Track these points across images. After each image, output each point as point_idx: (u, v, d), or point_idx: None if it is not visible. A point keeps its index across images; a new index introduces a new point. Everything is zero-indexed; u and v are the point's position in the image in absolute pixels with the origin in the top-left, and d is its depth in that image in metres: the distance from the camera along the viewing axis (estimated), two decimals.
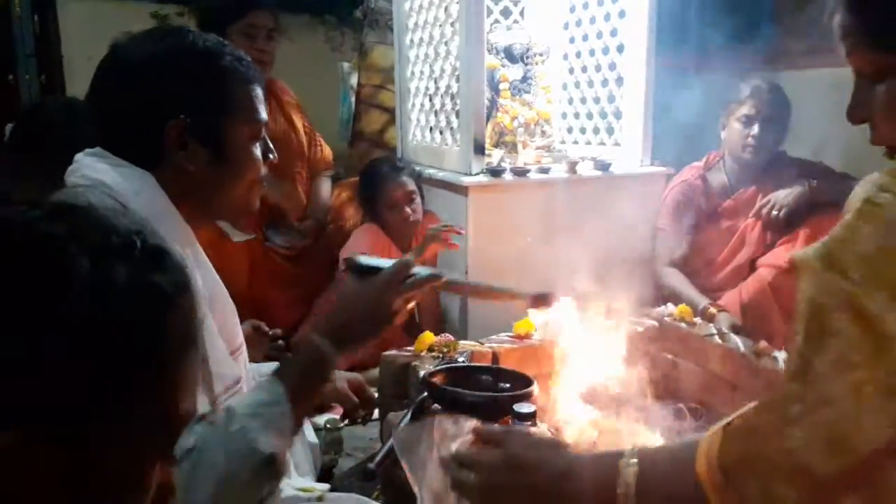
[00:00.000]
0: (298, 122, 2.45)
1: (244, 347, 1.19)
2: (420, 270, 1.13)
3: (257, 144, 1.11)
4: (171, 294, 0.52)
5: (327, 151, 2.59)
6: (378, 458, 1.23)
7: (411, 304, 1.17)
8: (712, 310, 2.17)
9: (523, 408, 1.28)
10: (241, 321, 1.71)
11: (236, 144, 1.07)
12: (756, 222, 2.36)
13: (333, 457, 1.76)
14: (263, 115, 1.11)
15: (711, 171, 2.52)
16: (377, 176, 2.38)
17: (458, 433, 1.24)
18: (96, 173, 0.99)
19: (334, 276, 2.36)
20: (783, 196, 2.28)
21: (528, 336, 1.85)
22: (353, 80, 3.50)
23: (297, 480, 1.35)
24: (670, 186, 2.53)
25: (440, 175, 2.49)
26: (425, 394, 1.37)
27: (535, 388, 1.42)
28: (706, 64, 3.23)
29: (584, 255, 2.24)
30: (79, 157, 1.04)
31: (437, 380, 1.40)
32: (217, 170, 1.05)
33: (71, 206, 0.52)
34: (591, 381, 1.64)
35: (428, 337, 1.71)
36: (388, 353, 1.74)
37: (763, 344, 1.84)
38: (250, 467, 0.89)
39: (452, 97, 2.48)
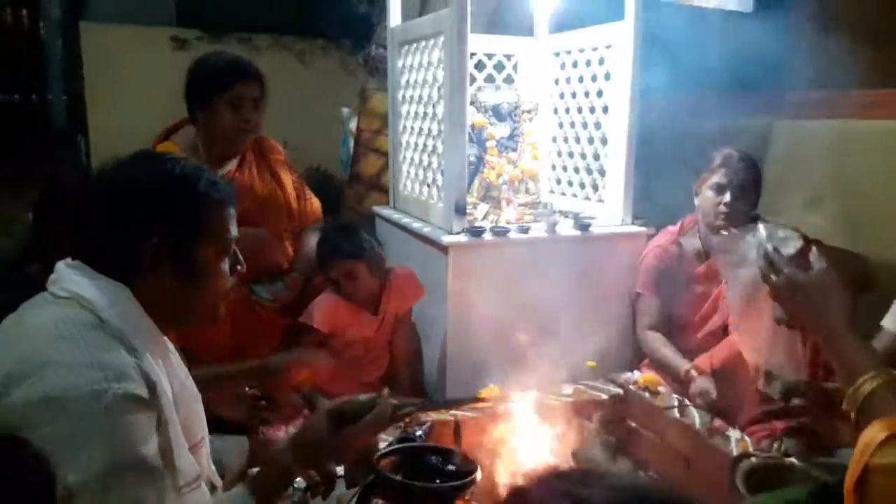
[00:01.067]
0: (286, 179, 2.50)
1: (206, 440, 1.28)
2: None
3: (226, 260, 1.21)
4: None
5: (316, 205, 2.65)
6: None
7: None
8: (693, 372, 2.23)
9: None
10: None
11: (206, 264, 1.17)
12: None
13: None
14: (234, 232, 1.21)
15: (686, 235, 2.57)
16: (322, 255, 2.35)
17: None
18: (75, 286, 1.08)
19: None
20: None
21: (490, 400, 1.98)
22: (353, 125, 3.61)
23: None
24: (647, 250, 2.59)
25: (425, 230, 2.58)
26: (372, 477, 1.45)
27: (477, 475, 1.50)
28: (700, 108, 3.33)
29: (564, 316, 2.41)
30: (60, 267, 1.13)
31: (385, 462, 1.50)
32: (187, 285, 1.15)
33: None
34: (540, 460, 1.71)
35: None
36: None
37: (717, 422, 1.91)
38: None
39: (438, 157, 2.57)
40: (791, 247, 1.37)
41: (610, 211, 2.73)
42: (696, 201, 2.51)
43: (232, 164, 2.37)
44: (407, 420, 1.79)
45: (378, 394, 1.33)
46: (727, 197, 2.38)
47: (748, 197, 2.40)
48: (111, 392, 0.97)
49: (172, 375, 1.18)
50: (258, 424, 2.06)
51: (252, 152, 2.44)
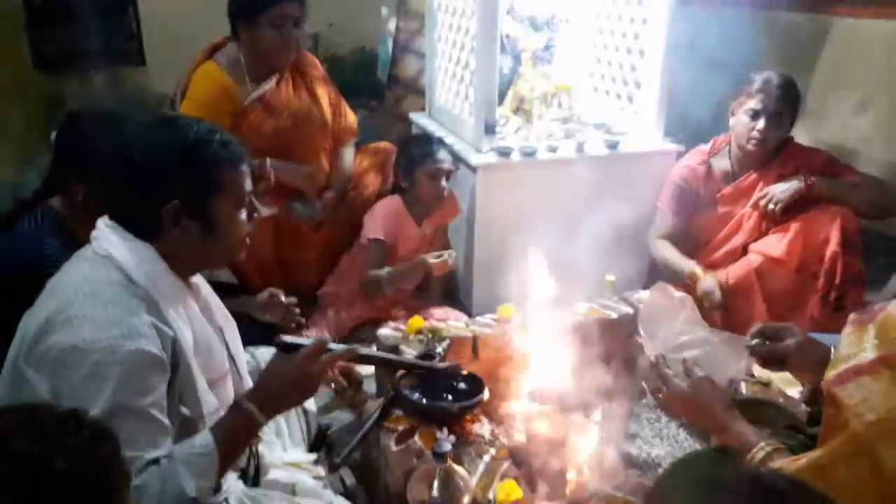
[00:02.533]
0: (324, 96, 2.55)
1: (229, 375, 1.42)
2: (335, 347, 1.38)
3: (243, 210, 1.32)
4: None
5: (351, 119, 2.66)
6: (343, 454, 1.55)
7: (332, 372, 1.51)
8: (698, 271, 2.33)
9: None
10: (271, 284, 2.05)
11: (223, 218, 1.28)
12: (753, 211, 2.45)
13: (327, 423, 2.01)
14: (248, 186, 1.32)
15: (717, 156, 2.57)
16: (429, 145, 2.46)
17: None
18: (111, 247, 1.23)
19: (356, 238, 2.56)
20: (780, 191, 2.35)
21: (507, 320, 2.09)
22: (392, 25, 3.57)
23: (289, 454, 1.66)
24: (676, 167, 2.60)
25: (457, 147, 2.63)
26: (392, 393, 1.69)
27: (484, 395, 1.71)
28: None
29: (589, 235, 2.39)
30: (100, 225, 1.28)
31: (405, 381, 1.73)
32: (207, 238, 1.28)
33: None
34: (541, 380, 1.87)
35: (416, 321, 1.98)
36: (382, 331, 2.04)
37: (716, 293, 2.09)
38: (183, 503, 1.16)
39: (471, 73, 2.59)
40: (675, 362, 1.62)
41: (643, 125, 2.73)
42: (731, 122, 2.49)
43: (272, 81, 2.44)
44: (431, 335, 1.95)
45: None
46: (761, 123, 2.36)
47: (783, 124, 2.39)
48: (125, 348, 1.13)
49: (194, 321, 1.32)
50: (293, 327, 2.19)
51: (291, 68, 2.50)
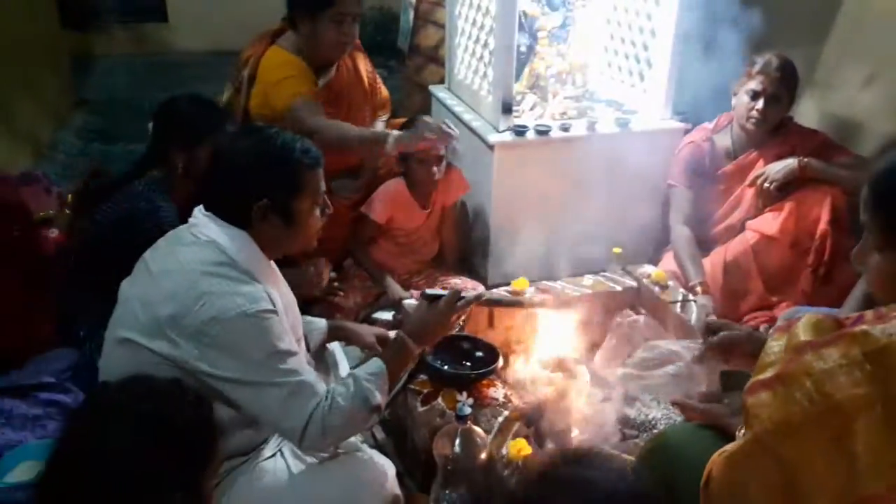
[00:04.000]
0: (363, 68, 2.57)
1: (303, 338, 1.68)
2: (467, 295, 1.69)
3: (318, 209, 1.53)
4: None
5: (384, 94, 2.70)
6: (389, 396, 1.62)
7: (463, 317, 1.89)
8: (698, 289, 2.43)
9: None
10: (307, 255, 2.22)
11: (303, 214, 1.49)
12: (750, 189, 2.57)
13: None
14: (323, 187, 1.53)
15: (720, 133, 2.66)
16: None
17: None
18: (212, 233, 1.43)
19: None
20: (775, 171, 2.47)
21: (521, 292, 2.26)
22: None
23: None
24: (682, 144, 2.69)
25: (475, 124, 2.74)
26: (419, 360, 1.87)
27: (499, 363, 1.92)
28: None
29: (599, 210, 2.63)
30: (198, 214, 1.47)
31: (429, 350, 1.92)
32: (289, 231, 1.49)
33: None
34: (555, 349, 2.06)
35: None
36: (408, 301, 2.27)
37: (711, 318, 2.09)
38: (367, 409, 1.45)
39: (490, 52, 2.68)
40: None
41: (653, 103, 2.83)
42: (733, 101, 2.57)
43: (331, 72, 2.51)
44: (463, 323, 2.14)
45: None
46: (760, 104, 2.47)
47: (782, 105, 2.51)
48: (253, 310, 1.35)
49: (282, 294, 1.53)
50: (334, 293, 2.48)
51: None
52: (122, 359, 1.38)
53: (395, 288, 2.60)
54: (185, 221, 1.50)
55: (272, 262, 1.55)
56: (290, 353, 1.40)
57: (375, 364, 1.51)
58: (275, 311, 1.40)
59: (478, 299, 1.79)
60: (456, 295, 1.64)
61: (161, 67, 5.50)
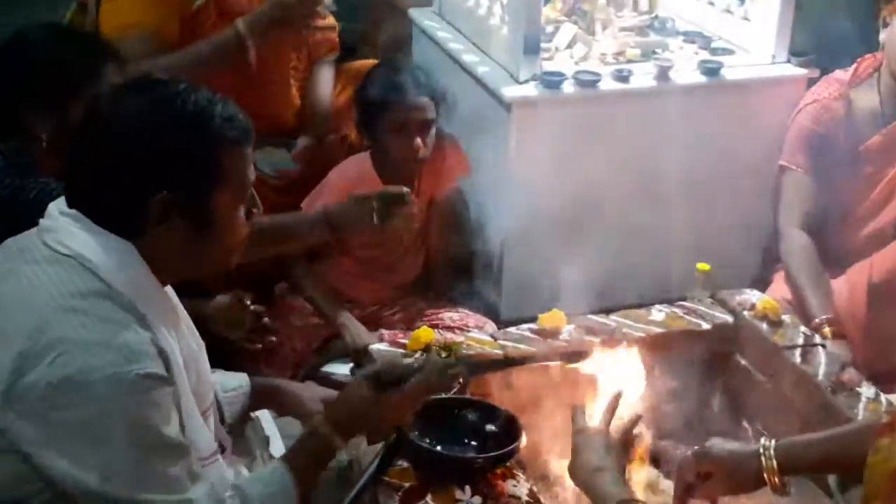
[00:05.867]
0: None
1: (214, 406, 1.38)
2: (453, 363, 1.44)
3: (243, 205, 1.24)
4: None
5: (330, 20, 2.30)
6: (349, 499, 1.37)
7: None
8: (826, 330, 1.95)
9: None
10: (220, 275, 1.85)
11: (222, 213, 1.20)
12: None
13: None
14: (251, 175, 1.24)
15: (860, 87, 2.16)
16: (386, 87, 1.98)
17: None
18: (76, 243, 1.11)
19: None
20: None
21: (554, 333, 1.80)
22: None
23: None
24: (802, 104, 2.19)
25: (481, 71, 2.14)
26: (395, 436, 1.42)
27: (522, 442, 1.49)
28: None
29: (675, 204, 2.20)
30: (54, 213, 1.15)
31: (411, 422, 1.47)
32: (201, 238, 1.19)
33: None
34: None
35: (424, 334, 1.69)
36: (377, 347, 1.82)
37: (848, 374, 1.69)
38: None
39: None
40: None
41: (758, 37, 2.27)
42: (881, 36, 2.11)
43: None
44: (460, 382, 1.63)
45: (423, 353, 1.50)
46: None
47: None
48: (133, 373, 1.08)
49: (181, 338, 1.26)
50: (261, 339, 1.93)
51: None
52: None
53: (354, 328, 2.10)
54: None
55: (169, 288, 1.30)
56: (179, 451, 1.15)
57: (278, 477, 1.25)
58: (165, 378, 1.15)
59: (479, 369, 1.57)
60: (426, 387, 1.35)
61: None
